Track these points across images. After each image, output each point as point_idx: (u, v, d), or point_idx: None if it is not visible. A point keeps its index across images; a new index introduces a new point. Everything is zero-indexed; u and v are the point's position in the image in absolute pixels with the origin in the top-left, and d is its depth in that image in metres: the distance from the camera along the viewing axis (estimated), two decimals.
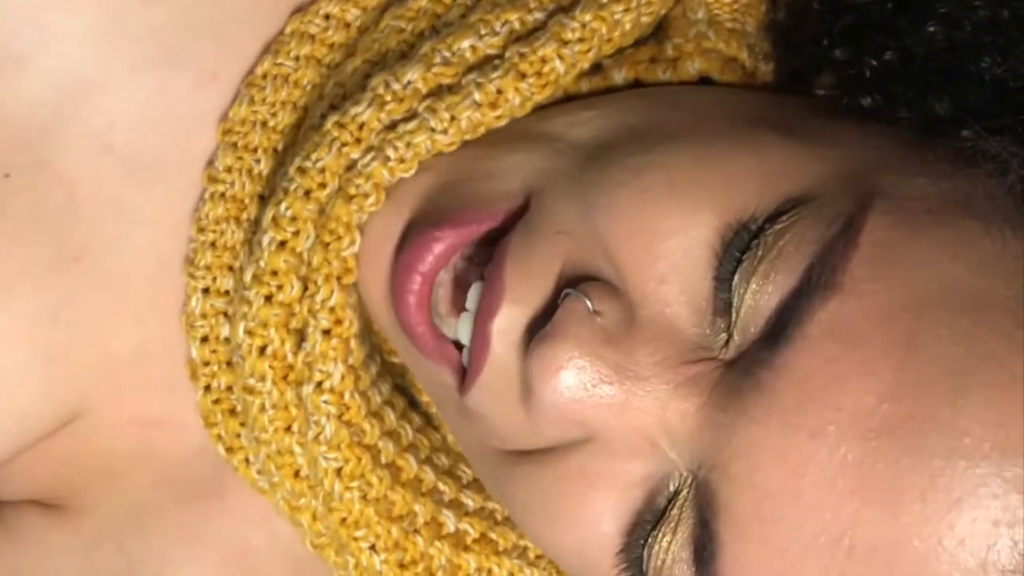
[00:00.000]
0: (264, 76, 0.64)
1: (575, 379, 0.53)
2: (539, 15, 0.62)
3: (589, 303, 0.53)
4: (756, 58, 0.64)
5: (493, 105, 0.60)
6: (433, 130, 0.60)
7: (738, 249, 0.53)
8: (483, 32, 0.61)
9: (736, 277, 0.53)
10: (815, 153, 0.55)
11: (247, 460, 0.65)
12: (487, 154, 0.60)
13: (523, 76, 0.60)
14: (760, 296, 0.52)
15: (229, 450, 0.65)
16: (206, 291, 0.64)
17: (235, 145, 0.64)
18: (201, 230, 0.64)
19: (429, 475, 0.64)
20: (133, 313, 0.65)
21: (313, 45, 0.64)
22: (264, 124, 0.64)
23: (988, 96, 0.56)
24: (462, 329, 0.58)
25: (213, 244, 0.64)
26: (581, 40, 0.61)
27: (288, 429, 0.62)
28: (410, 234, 0.58)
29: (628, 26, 0.62)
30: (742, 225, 0.53)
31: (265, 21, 0.65)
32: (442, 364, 0.59)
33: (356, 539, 0.63)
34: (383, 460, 0.63)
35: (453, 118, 0.60)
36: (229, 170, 0.64)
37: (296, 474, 0.63)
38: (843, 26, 0.60)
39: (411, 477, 0.64)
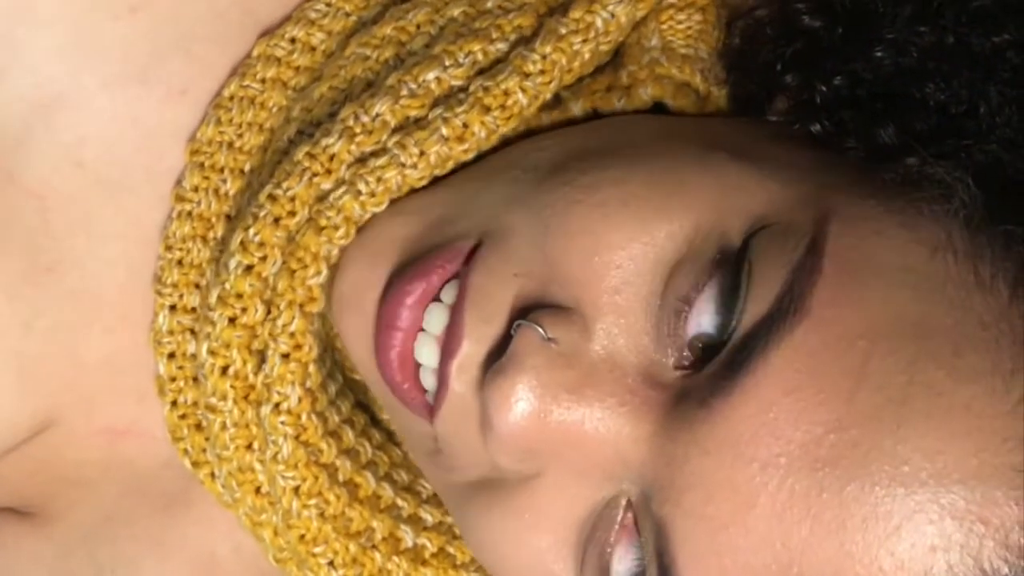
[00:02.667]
0: (231, 98, 0.65)
1: (531, 408, 0.54)
2: (501, 46, 0.63)
3: (542, 331, 0.54)
4: (709, 83, 0.64)
5: (460, 139, 0.61)
6: (403, 165, 0.61)
7: (699, 270, 0.54)
8: (447, 63, 0.62)
9: (690, 298, 0.54)
10: (770, 175, 0.56)
11: (212, 474, 0.66)
12: (449, 199, 0.61)
13: (488, 109, 0.61)
14: (721, 320, 0.53)
15: (195, 464, 0.66)
16: (173, 308, 0.65)
17: (202, 165, 0.65)
18: (168, 248, 0.65)
19: (387, 491, 0.65)
20: (104, 324, 0.66)
21: (279, 68, 0.65)
22: (231, 145, 0.65)
23: (932, 122, 0.57)
24: (419, 351, 0.58)
25: (180, 262, 0.65)
26: (542, 72, 0.62)
27: (249, 447, 0.63)
28: (387, 289, 0.59)
29: (587, 56, 0.62)
30: (706, 243, 0.54)
31: (234, 39, 0.66)
32: (420, 412, 0.59)
33: (315, 555, 0.64)
34: (341, 478, 0.64)
35: (422, 153, 0.61)
36: (196, 189, 0.65)
37: (257, 490, 0.64)
38: (794, 51, 0.61)
39: (369, 494, 0.65)
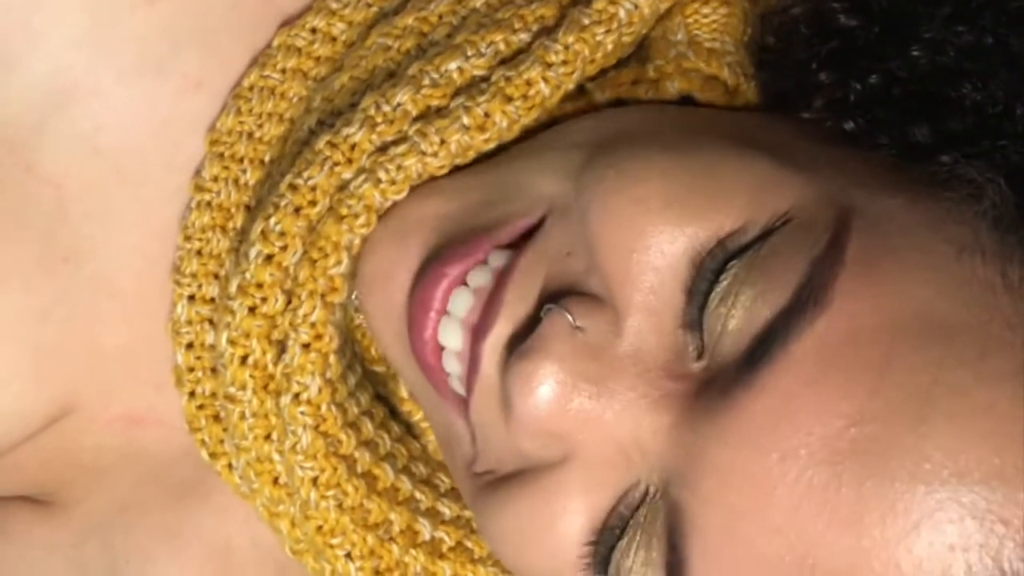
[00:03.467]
0: (251, 88, 0.65)
1: (552, 394, 0.54)
2: (524, 36, 0.63)
3: (571, 318, 0.54)
4: (737, 77, 0.64)
5: (481, 128, 0.61)
6: (423, 153, 0.61)
7: (716, 266, 0.54)
8: (469, 53, 0.62)
9: (716, 294, 0.53)
10: (797, 172, 0.56)
11: (230, 465, 0.66)
12: (487, 180, 0.61)
13: (510, 99, 0.61)
14: (744, 315, 0.53)
15: (212, 455, 0.66)
16: (192, 298, 0.65)
17: (222, 155, 0.65)
18: (187, 238, 0.65)
19: (406, 484, 0.65)
20: (121, 313, 0.66)
21: (300, 58, 0.65)
22: (251, 135, 0.65)
23: (967, 122, 0.56)
24: (444, 333, 0.58)
25: (199, 252, 0.65)
26: (565, 62, 0.62)
27: (268, 437, 0.63)
28: (423, 271, 0.59)
29: (610, 47, 0.62)
30: (728, 239, 0.54)
31: (251, 31, 0.66)
32: (451, 403, 0.59)
33: (332, 547, 0.64)
34: (359, 469, 0.64)
35: (443, 142, 0.61)
36: (216, 179, 0.65)
37: (275, 481, 0.64)
38: (830, 49, 0.61)
39: (387, 486, 0.65)
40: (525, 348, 0.54)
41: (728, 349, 0.53)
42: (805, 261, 0.52)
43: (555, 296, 0.56)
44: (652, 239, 0.54)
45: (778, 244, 0.53)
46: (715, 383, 0.53)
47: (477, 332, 0.57)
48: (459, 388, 0.58)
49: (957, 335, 0.51)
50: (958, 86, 0.57)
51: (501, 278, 0.57)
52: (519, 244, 0.58)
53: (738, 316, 0.53)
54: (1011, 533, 0.49)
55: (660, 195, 0.55)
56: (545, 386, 0.54)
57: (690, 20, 0.65)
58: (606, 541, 0.55)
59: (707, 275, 0.54)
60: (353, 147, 0.61)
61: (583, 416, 0.54)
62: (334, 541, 0.64)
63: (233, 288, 0.62)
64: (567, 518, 0.56)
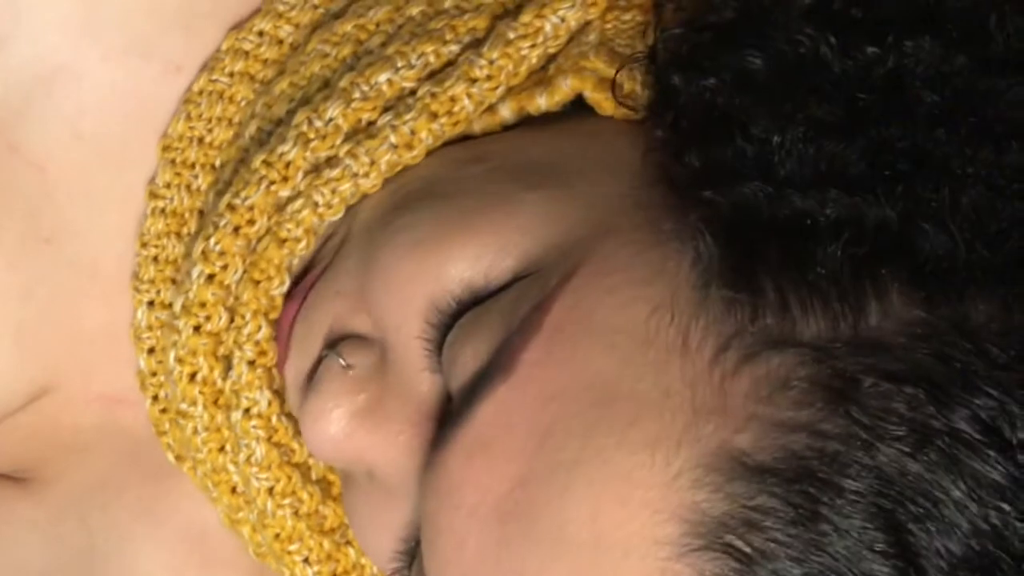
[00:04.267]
0: (200, 92, 0.64)
1: (329, 429, 0.58)
2: (454, 47, 0.62)
3: (341, 360, 0.58)
4: (635, 82, 0.60)
5: (409, 146, 0.61)
6: (356, 175, 0.61)
7: (449, 314, 0.56)
8: (399, 65, 0.61)
9: (447, 342, 0.55)
10: (567, 215, 0.55)
11: (195, 469, 0.67)
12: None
13: (435, 116, 0.61)
14: (460, 370, 0.54)
15: (178, 458, 0.67)
16: (151, 304, 0.66)
17: (173, 161, 0.64)
18: (144, 245, 0.65)
19: None
20: (102, 294, 0.67)
21: (247, 61, 0.65)
22: (201, 140, 0.64)
23: (742, 159, 0.53)
24: None
25: (156, 258, 0.65)
26: (489, 77, 0.61)
27: (221, 449, 0.64)
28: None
29: (535, 60, 0.61)
30: (467, 288, 0.55)
31: (232, 16, 0.66)
32: None
33: (290, 553, 0.65)
34: (313, 476, 0.65)
35: (373, 162, 0.61)
36: (168, 186, 0.65)
37: (233, 490, 0.65)
38: (689, 48, 0.57)
39: (341, 491, 0.66)
40: (308, 390, 0.59)
41: (457, 399, 0.55)
42: (506, 325, 0.53)
43: (336, 334, 0.60)
44: (399, 278, 0.57)
45: (505, 298, 0.54)
46: (440, 434, 0.55)
47: (278, 360, 0.63)
48: None
49: (618, 401, 0.50)
50: (749, 105, 0.54)
51: (293, 316, 0.62)
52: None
53: (458, 370, 0.55)
54: None
55: (410, 240, 0.57)
56: (321, 422, 0.58)
57: (608, 25, 0.62)
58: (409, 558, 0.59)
59: (446, 320, 0.56)
60: (288, 165, 0.61)
61: (357, 451, 0.58)
62: (292, 548, 0.65)
63: (178, 307, 0.63)
64: (369, 533, 0.60)
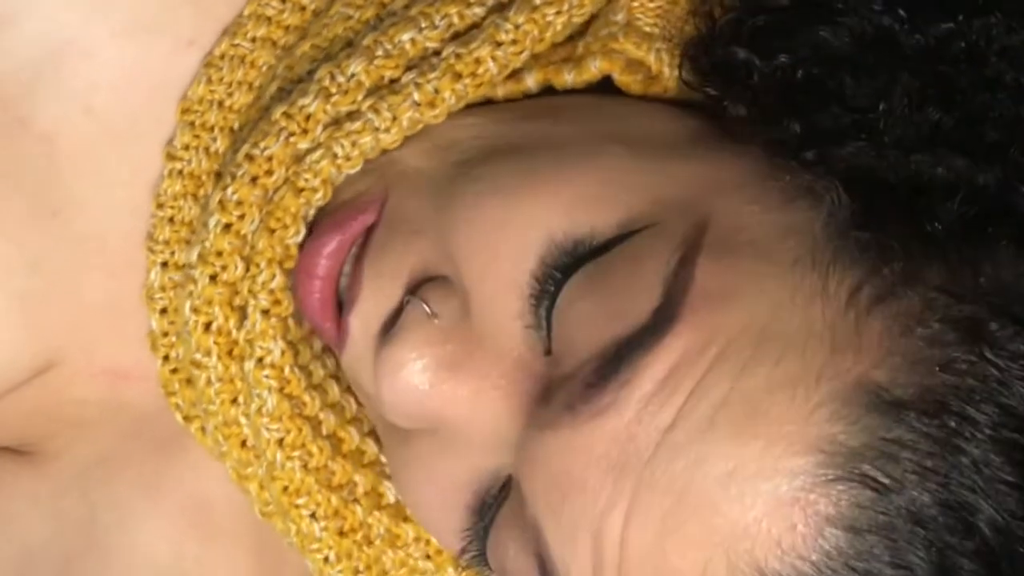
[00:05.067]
0: (221, 56, 0.66)
1: (412, 380, 0.57)
2: (478, 10, 0.63)
3: (427, 307, 0.58)
4: (662, 64, 0.63)
5: (431, 105, 0.62)
6: (377, 129, 0.62)
7: (560, 266, 0.56)
8: (423, 25, 0.63)
9: (562, 297, 0.55)
10: (665, 172, 0.57)
11: (203, 428, 0.68)
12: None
13: (459, 76, 0.62)
14: (595, 327, 0.54)
15: (187, 418, 0.68)
16: (164, 264, 0.66)
17: (192, 124, 0.66)
18: (160, 206, 0.66)
19: (371, 447, 0.67)
20: (108, 268, 0.67)
21: (269, 27, 0.66)
22: (221, 104, 0.66)
23: (838, 121, 0.57)
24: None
25: (171, 219, 0.66)
26: (514, 42, 0.62)
27: (234, 401, 0.65)
28: (306, 239, 0.62)
29: (560, 27, 0.63)
30: (570, 240, 0.56)
31: None
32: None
33: (297, 507, 0.65)
34: (324, 431, 0.65)
35: (395, 118, 0.62)
36: (187, 148, 0.66)
37: (243, 444, 0.65)
38: (753, 27, 0.60)
39: (353, 448, 0.66)
40: (389, 336, 0.58)
41: (578, 356, 0.55)
42: (658, 276, 0.54)
43: (418, 283, 0.59)
44: (484, 227, 0.57)
45: (632, 252, 0.55)
46: (562, 391, 0.55)
47: (346, 301, 0.61)
48: None
49: (767, 343, 0.52)
50: (839, 77, 0.57)
51: (360, 255, 0.61)
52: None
53: (587, 326, 0.55)
54: (767, 530, 0.51)
55: (492, 189, 0.58)
56: (405, 371, 0.57)
57: (635, 4, 0.64)
58: (482, 523, 0.58)
59: (555, 274, 0.56)
60: (308, 117, 0.62)
61: (441, 401, 0.57)
62: (299, 501, 0.65)
63: (194, 257, 0.63)
64: (434, 490, 0.60)
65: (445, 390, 0.57)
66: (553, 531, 0.55)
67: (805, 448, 0.51)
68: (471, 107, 0.63)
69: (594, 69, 0.63)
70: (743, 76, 0.59)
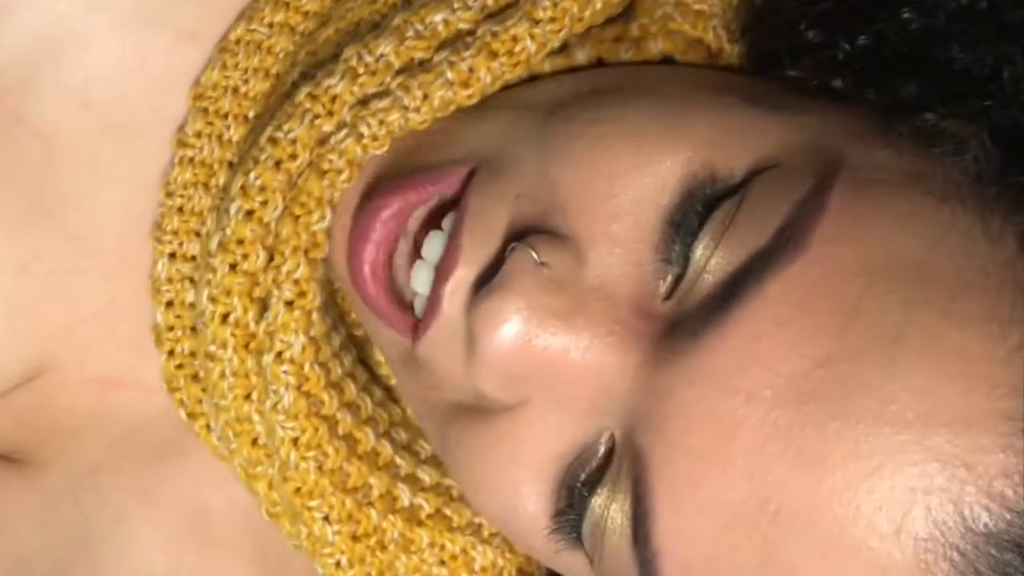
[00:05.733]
0: (237, 42, 0.64)
1: (518, 331, 0.53)
2: None
3: (535, 255, 0.54)
4: (721, 40, 0.63)
5: (465, 84, 0.60)
6: (406, 108, 0.60)
7: (700, 202, 0.53)
8: (456, 6, 0.61)
9: (704, 235, 0.53)
10: (782, 120, 0.56)
11: (208, 426, 0.65)
12: (440, 124, 0.60)
13: (495, 55, 0.60)
14: (723, 256, 0.52)
15: (191, 415, 0.65)
16: (172, 256, 0.64)
17: (206, 110, 0.64)
18: (169, 194, 0.64)
19: (387, 449, 0.64)
20: (103, 270, 0.65)
21: (287, 12, 0.64)
22: (236, 90, 0.64)
23: (954, 82, 0.56)
24: (416, 278, 0.58)
25: (181, 209, 0.64)
26: (552, 19, 0.61)
27: (247, 397, 0.62)
28: (362, 203, 0.59)
29: (599, 5, 0.62)
30: (709, 177, 0.54)
31: None
32: (397, 326, 0.59)
33: (310, 509, 0.63)
34: (340, 431, 0.63)
35: (426, 96, 0.60)
36: (199, 135, 0.64)
37: (254, 442, 0.63)
38: (821, 10, 0.60)
39: (368, 450, 0.64)
40: (490, 286, 0.54)
41: (701, 289, 0.53)
42: (788, 204, 0.52)
43: (518, 235, 0.55)
44: (611, 166, 0.54)
45: (763, 187, 0.53)
46: (685, 324, 0.52)
47: (439, 275, 0.56)
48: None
49: (931, 279, 0.50)
50: (947, 48, 0.57)
51: (456, 223, 0.56)
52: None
53: (718, 256, 0.52)
54: (973, 478, 0.48)
55: (617, 129, 0.55)
56: (511, 322, 0.53)
57: None
58: (571, 496, 0.55)
59: (698, 210, 0.53)
60: (334, 99, 0.60)
61: (548, 354, 0.53)
62: (312, 504, 0.63)
63: (214, 245, 0.61)
64: (522, 468, 0.55)
65: (555, 343, 0.53)
66: (662, 469, 0.51)
67: (1011, 390, 0.48)
68: (540, 76, 0.62)
69: (655, 50, 0.62)
70: (824, 55, 0.59)
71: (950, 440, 0.48)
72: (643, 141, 0.55)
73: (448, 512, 0.65)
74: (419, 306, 0.58)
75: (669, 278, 0.54)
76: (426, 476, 0.65)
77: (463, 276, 0.56)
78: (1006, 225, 0.52)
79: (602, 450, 0.54)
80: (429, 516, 0.65)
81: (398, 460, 0.65)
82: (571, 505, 0.55)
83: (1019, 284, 0.50)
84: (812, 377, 0.49)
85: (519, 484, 0.56)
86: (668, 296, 0.54)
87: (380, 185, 0.59)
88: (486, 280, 0.55)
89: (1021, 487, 0.48)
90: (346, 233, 0.60)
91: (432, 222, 0.59)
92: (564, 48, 0.63)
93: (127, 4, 0.62)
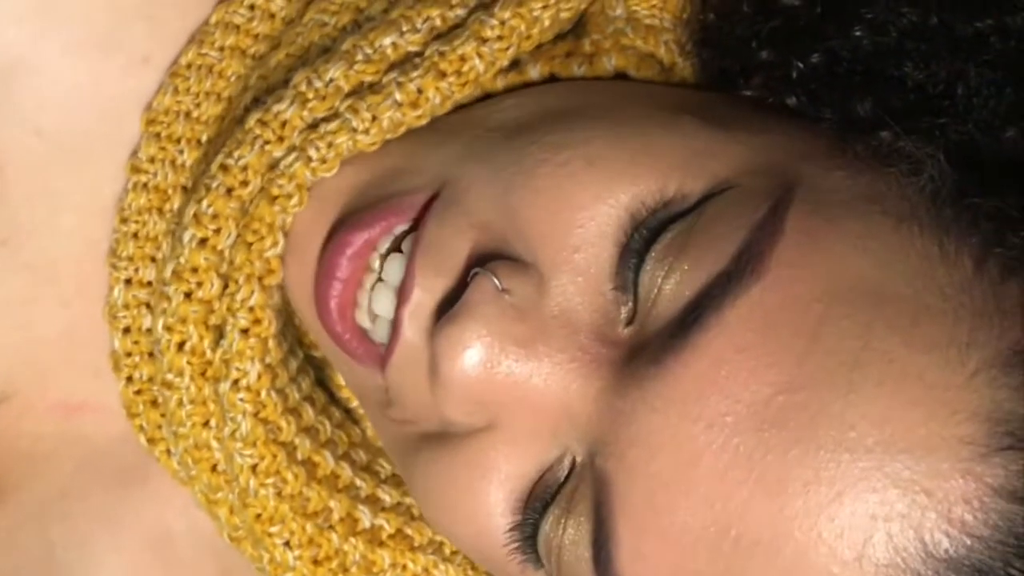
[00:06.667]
0: (188, 66, 0.64)
1: (480, 357, 0.53)
2: (460, 12, 0.62)
3: (497, 281, 0.54)
4: (674, 54, 0.63)
5: (414, 104, 0.60)
6: (355, 130, 0.60)
7: (649, 228, 0.53)
8: (404, 29, 0.61)
9: (650, 259, 0.53)
10: (738, 140, 0.56)
11: (168, 451, 0.65)
12: (402, 152, 0.60)
13: (443, 75, 0.60)
14: (680, 281, 0.52)
15: (151, 441, 0.65)
16: (128, 282, 0.64)
17: (158, 135, 0.63)
18: (124, 220, 0.64)
19: (346, 471, 0.64)
20: (59, 297, 0.65)
21: (238, 35, 0.64)
22: (188, 115, 0.64)
23: (909, 99, 0.56)
24: (376, 300, 0.58)
25: (135, 235, 0.64)
26: (500, 38, 0.61)
27: (206, 424, 0.62)
28: (328, 240, 0.59)
29: (547, 23, 0.61)
30: (662, 203, 0.54)
31: (196, 5, 0.65)
32: (367, 361, 0.59)
33: (270, 535, 0.63)
34: (299, 457, 0.63)
35: (375, 118, 0.60)
36: (152, 160, 0.64)
37: (213, 468, 0.63)
38: (771, 28, 0.60)
39: (327, 473, 0.64)
40: (452, 313, 0.54)
41: (661, 314, 0.52)
42: (744, 228, 0.52)
43: (480, 261, 0.55)
44: (576, 197, 0.54)
45: (718, 210, 0.53)
46: (646, 349, 0.52)
47: (399, 300, 0.56)
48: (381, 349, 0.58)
49: (890, 303, 0.50)
50: (900, 65, 0.57)
51: (412, 250, 0.56)
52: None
53: (673, 281, 0.52)
54: (933, 504, 0.48)
55: (581, 156, 0.55)
56: (472, 349, 0.53)
57: None
58: (532, 514, 0.55)
59: (644, 234, 0.53)
60: (284, 124, 0.60)
61: (510, 381, 0.53)
62: (272, 529, 0.63)
63: (168, 273, 0.61)
64: (490, 493, 0.55)
65: (518, 369, 0.53)
66: (624, 495, 0.51)
67: (970, 416, 0.49)
68: (494, 94, 0.62)
69: (608, 66, 0.62)
70: (777, 74, 0.59)
71: (910, 467, 0.48)
72: (607, 170, 0.54)
73: (409, 531, 0.65)
74: (381, 329, 0.58)
75: (628, 304, 0.54)
76: (386, 496, 0.65)
77: (422, 302, 0.55)
78: (961, 246, 0.51)
79: (565, 472, 0.54)
80: (390, 536, 0.65)
81: (358, 482, 0.65)
82: (527, 521, 0.55)
83: (976, 307, 0.50)
84: (772, 404, 0.49)
85: (487, 505, 0.55)
86: (629, 322, 0.54)
87: (345, 219, 0.59)
88: (448, 305, 0.55)
89: (981, 512, 0.48)
90: (303, 258, 0.60)
91: (395, 244, 0.59)
92: (516, 65, 0.63)
93: (77, 29, 0.62)
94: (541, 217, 0.55)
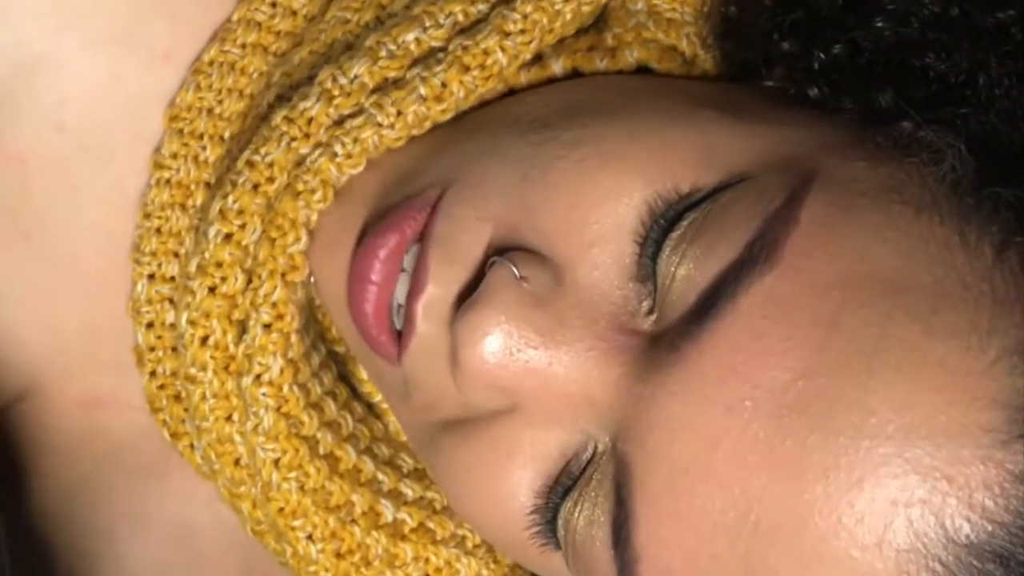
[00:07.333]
0: (211, 63, 0.64)
1: (500, 344, 0.54)
2: (482, 6, 0.62)
3: (515, 269, 0.54)
4: (695, 47, 0.64)
5: (438, 99, 0.60)
6: (380, 125, 0.60)
7: (666, 218, 0.54)
8: (427, 24, 0.61)
9: (666, 247, 0.53)
10: (757, 133, 0.56)
11: (192, 445, 0.65)
12: (428, 149, 0.61)
13: (467, 69, 0.60)
14: (694, 268, 0.52)
15: (174, 435, 0.66)
16: (151, 277, 0.64)
17: (181, 132, 0.64)
18: (147, 216, 0.64)
19: (368, 465, 0.65)
20: (82, 292, 0.65)
21: (260, 33, 0.64)
22: (210, 111, 0.64)
23: (930, 89, 0.56)
24: (400, 290, 0.58)
25: (159, 230, 0.64)
26: (523, 32, 0.61)
27: (228, 418, 0.62)
28: (360, 241, 0.59)
29: (569, 16, 0.62)
30: (677, 195, 0.54)
31: (217, 1, 0.65)
32: (393, 360, 0.59)
33: (293, 529, 0.63)
34: (321, 451, 0.63)
35: (399, 112, 0.60)
36: (175, 156, 0.64)
37: (236, 462, 0.63)
38: (793, 20, 0.60)
39: (349, 467, 0.64)
40: (471, 301, 0.54)
41: (677, 302, 0.53)
42: (759, 217, 0.52)
43: (497, 251, 0.55)
44: (591, 194, 0.55)
45: (733, 200, 0.53)
46: (665, 337, 0.53)
47: (410, 293, 0.57)
48: None
49: (909, 291, 0.50)
50: (921, 56, 0.57)
51: (424, 242, 0.57)
52: None
53: (688, 268, 0.53)
54: (954, 490, 0.49)
55: (595, 154, 0.55)
56: (492, 336, 0.53)
57: None
58: (553, 498, 0.55)
59: (662, 224, 0.54)
60: (310, 121, 0.61)
61: (531, 367, 0.54)
62: (295, 523, 0.63)
63: (192, 268, 0.61)
64: (514, 473, 0.56)
65: (538, 356, 0.54)
66: (643, 479, 0.52)
67: (990, 403, 0.49)
68: (517, 90, 0.62)
69: (631, 59, 0.62)
70: (799, 65, 0.59)
71: (931, 453, 0.49)
72: (620, 167, 0.55)
73: (431, 525, 0.66)
74: (398, 316, 0.58)
75: (648, 295, 0.54)
76: (409, 490, 0.66)
77: (437, 294, 0.56)
78: (983, 235, 0.52)
79: (586, 459, 0.55)
80: (412, 530, 0.65)
81: (380, 476, 0.65)
82: (548, 505, 0.56)
83: (997, 295, 0.50)
84: (791, 390, 0.50)
85: (511, 484, 0.56)
86: (650, 312, 0.54)
87: (374, 219, 0.59)
88: (468, 293, 0.55)
89: (1002, 498, 0.48)
90: (335, 261, 0.60)
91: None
92: (539, 59, 0.63)
93: (97, 24, 0.62)
94: (557, 212, 0.55)
